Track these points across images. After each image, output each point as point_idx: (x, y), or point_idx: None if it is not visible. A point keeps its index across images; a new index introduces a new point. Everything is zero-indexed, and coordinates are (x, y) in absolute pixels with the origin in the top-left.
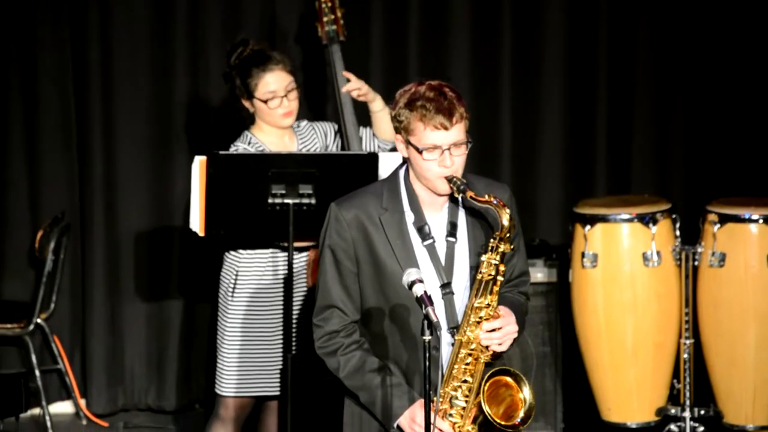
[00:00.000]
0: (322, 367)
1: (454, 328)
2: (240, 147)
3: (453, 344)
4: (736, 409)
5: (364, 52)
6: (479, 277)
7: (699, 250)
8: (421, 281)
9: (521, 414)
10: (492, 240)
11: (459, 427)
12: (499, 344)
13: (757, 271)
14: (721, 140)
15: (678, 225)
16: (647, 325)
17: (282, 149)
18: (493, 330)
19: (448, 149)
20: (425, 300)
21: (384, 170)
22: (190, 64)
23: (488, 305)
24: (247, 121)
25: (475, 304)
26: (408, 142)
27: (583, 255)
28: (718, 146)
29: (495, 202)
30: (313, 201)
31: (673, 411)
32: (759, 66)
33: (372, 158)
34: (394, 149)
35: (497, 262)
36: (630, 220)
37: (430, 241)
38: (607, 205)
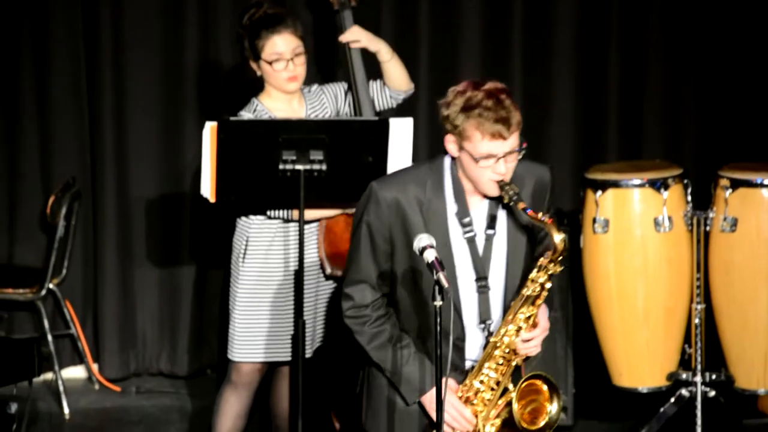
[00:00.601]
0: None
1: (486, 322)
2: (245, 116)
3: (487, 336)
4: (748, 373)
5: (375, 17)
6: (524, 291)
7: (711, 215)
8: (432, 246)
9: (542, 422)
10: (542, 259)
11: (483, 417)
12: (535, 349)
13: None
14: (733, 105)
15: (689, 190)
16: (659, 291)
17: (290, 115)
18: (530, 339)
19: (503, 157)
20: (436, 265)
21: (394, 136)
22: (201, 29)
23: (528, 317)
24: (255, 86)
25: (517, 314)
26: (461, 147)
27: (594, 220)
28: (730, 111)
29: (548, 221)
30: (323, 167)
31: (684, 376)
32: None
33: (383, 125)
34: (403, 106)
35: (544, 281)
36: (641, 186)
37: (471, 233)
38: (618, 170)
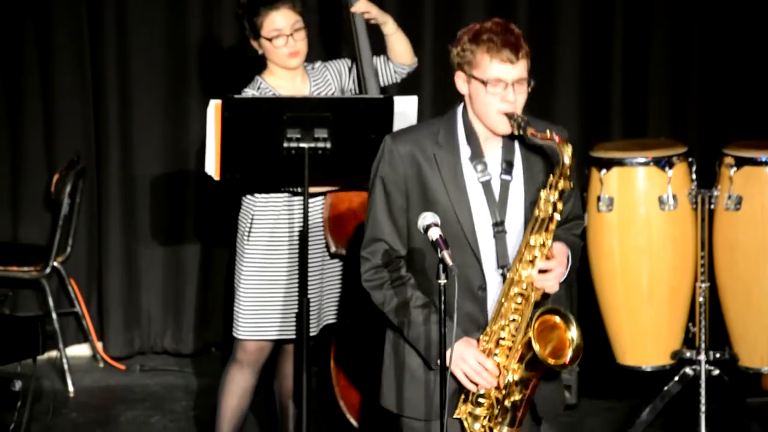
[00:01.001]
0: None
1: (504, 267)
2: (249, 93)
3: (503, 283)
4: (752, 352)
5: None
6: (536, 213)
7: (715, 193)
8: (436, 225)
9: (569, 353)
10: (551, 176)
11: (504, 366)
12: (552, 284)
13: None
14: (738, 83)
15: (694, 168)
16: (663, 269)
17: (294, 93)
18: (546, 271)
19: (512, 85)
20: (441, 244)
21: (399, 114)
22: (204, 7)
23: (543, 244)
24: (259, 63)
25: (530, 242)
26: (471, 76)
27: (598, 199)
28: (735, 89)
29: (556, 139)
30: (328, 145)
31: (688, 354)
32: None
33: (387, 102)
34: (406, 84)
35: (555, 200)
36: (646, 164)
37: (487, 177)
38: (623, 148)
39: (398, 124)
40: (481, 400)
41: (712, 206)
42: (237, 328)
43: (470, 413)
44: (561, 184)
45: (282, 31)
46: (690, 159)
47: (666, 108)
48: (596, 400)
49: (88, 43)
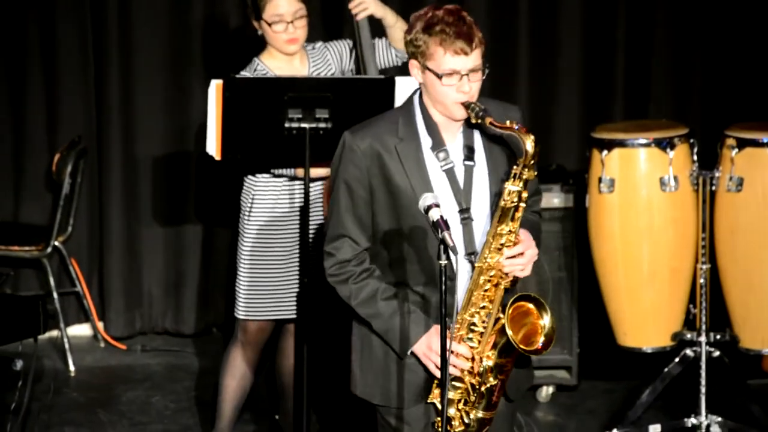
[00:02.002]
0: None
1: (472, 254)
2: (246, 75)
3: (472, 270)
4: (752, 333)
5: None
6: (502, 204)
7: (717, 174)
8: (437, 205)
9: (541, 339)
10: (515, 167)
11: (478, 352)
12: (521, 269)
13: None
14: (740, 64)
15: (696, 150)
16: (664, 251)
17: (292, 73)
18: (515, 256)
19: (467, 75)
20: (441, 224)
21: (400, 95)
22: None
23: (510, 232)
24: (260, 43)
25: (497, 231)
26: (425, 67)
27: (600, 180)
28: (737, 70)
29: (517, 128)
30: (328, 125)
31: (689, 336)
32: None
33: (388, 83)
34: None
35: (520, 189)
36: (647, 145)
37: (450, 165)
38: (624, 129)
39: (399, 105)
40: (455, 383)
41: (714, 188)
42: (238, 308)
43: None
44: (525, 174)
45: (283, 17)
46: (691, 140)
47: (668, 89)
48: (597, 381)
49: (89, 24)
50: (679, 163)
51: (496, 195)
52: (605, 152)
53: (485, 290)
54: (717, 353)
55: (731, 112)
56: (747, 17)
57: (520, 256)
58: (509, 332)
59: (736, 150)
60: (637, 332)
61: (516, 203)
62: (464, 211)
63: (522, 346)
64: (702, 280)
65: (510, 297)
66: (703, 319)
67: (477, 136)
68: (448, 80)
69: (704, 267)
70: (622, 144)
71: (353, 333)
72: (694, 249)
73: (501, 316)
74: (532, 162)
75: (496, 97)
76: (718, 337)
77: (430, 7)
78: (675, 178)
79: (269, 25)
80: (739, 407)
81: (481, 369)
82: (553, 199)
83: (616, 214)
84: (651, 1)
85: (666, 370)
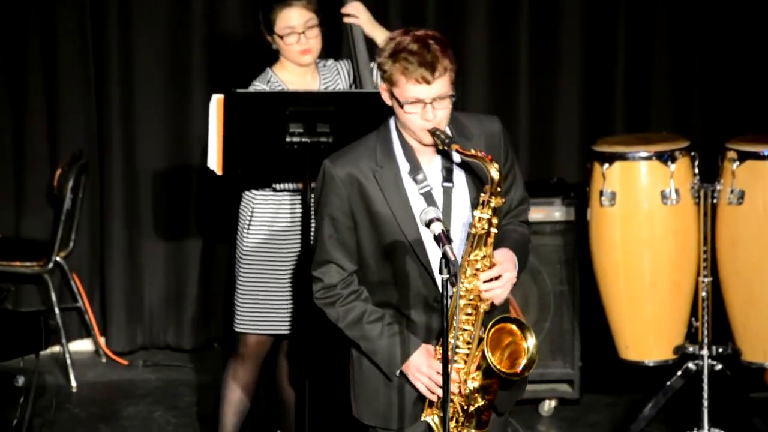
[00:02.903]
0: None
1: (454, 276)
2: (259, 86)
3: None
4: (754, 346)
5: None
6: (473, 231)
7: (718, 187)
8: (439, 219)
9: (524, 362)
10: (482, 194)
11: (464, 372)
12: (499, 293)
13: None
14: (741, 77)
15: (697, 162)
16: (665, 264)
17: (304, 88)
18: (491, 279)
19: (431, 103)
20: (443, 238)
21: None
22: (208, 1)
23: (484, 257)
24: (266, 57)
25: (471, 257)
26: (392, 94)
27: (601, 193)
28: (738, 83)
29: (481, 155)
30: (330, 139)
31: (690, 349)
32: None
33: None
34: None
35: (489, 216)
36: (648, 158)
37: (427, 188)
38: (625, 142)
39: None
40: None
41: (715, 201)
42: (236, 321)
43: (438, 416)
44: (493, 202)
45: (295, 29)
46: (692, 153)
47: (668, 102)
48: (599, 395)
49: (90, 39)
50: (680, 176)
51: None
52: (606, 165)
53: (467, 313)
54: (719, 366)
55: (732, 125)
56: (747, 30)
57: (497, 279)
58: (488, 356)
59: (737, 163)
60: (638, 345)
61: (486, 229)
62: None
63: (503, 369)
64: (704, 293)
65: (491, 319)
66: (705, 332)
67: (456, 157)
68: (411, 108)
69: (706, 280)
70: (623, 157)
71: (351, 354)
72: (695, 262)
73: (484, 337)
74: (498, 189)
75: (497, 110)
76: (720, 350)
77: (400, 32)
78: (676, 191)
79: (281, 38)
80: (742, 420)
81: (467, 391)
82: (555, 212)
83: (618, 227)
84: (651, 13)
85: (668, 383)
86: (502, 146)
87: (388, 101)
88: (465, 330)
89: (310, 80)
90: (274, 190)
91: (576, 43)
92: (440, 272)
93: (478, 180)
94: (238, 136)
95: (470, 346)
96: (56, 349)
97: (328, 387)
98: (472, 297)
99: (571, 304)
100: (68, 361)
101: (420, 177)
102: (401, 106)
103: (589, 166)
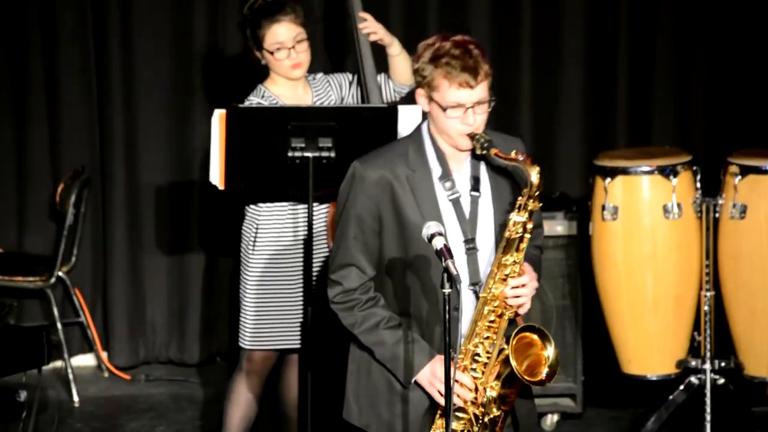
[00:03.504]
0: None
1: (476, 284)
2: (254, 101)
3: (476, 301)
4: (757, 361)
5: (383, 2)
6: (507, 234)
7: (720, 201)
8: (441, 234)
9: (545, 370)
10: (520, 198)
11: (481, 382)
12: (524, 302)
13: None
14: (743, 91)
15: (699, 177)
16: (668, 278)
17: (296, 102)
18: (518, 287)
19: (472, 107)
20: (445, 253)
21: (403, 124)
22: (209, 16)
23: (514, 262)
24: (262, 73)
25: (501, 261)
26: (431, 98)
27: (603, 207)
28: (740, 97)
29: (522, 159)
30: (332, 154)
31: (693, 363)
32: None
33: (391, 112)
34: (411, 95)
35: (525, 220)
36: (650, 172)
37: (456, 195)
38: (627, 157)
39: (402, 133)
40: (459, 414)
41: (717, 215)
42: (243, 338)
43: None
44: (530, 205)
45: (284, 44)
46: (694, 167)
47: (670, 116)
48: (601, 409)
49: (93, 52)
50: (682, 191)
51: (501, 226)
52: (608, 180)
53: (490, 321)
54: (722, 381)
55: (734, 139)
56: (750, 43)
57: (523, 287)
58: (513, 363)
59: (739, 177)
60: (641, 360)
61: (521, 234)
62: (469, 242)
63: (526, 377)
64: (706, 308)
65: (514, 328)
66: (708, 346)
67: (483, 167)
68: (452, 112)
69: (708, 294)
70: (625, 171)
71: (350, 359)
72: (697, 276)
73: (505, 346)
74: (537, 193)
75: (499, 123)
76: (723, 364)
77: (438, 37)
78: (678, 205)
79: (271, 53)
80: None
81: (485, 400)
82: (557, 226)
83: (620, 242)
84: (653, 27)
85: (671, 397)
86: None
87: (426, 107)
88: (486, 338)
89: (301, 93)
90: (277, 204)
91: (578, 56)
92: (441, 287)
93: (504, 192)
94: (240, 151)
95: (490, 355)
96: (58, 363)
97: (330, 400)
98: (497, 304)
99: (573, 318)
100: (70, 376)
101: (449, 184)
102: (443, 110)
103: (591, 180)
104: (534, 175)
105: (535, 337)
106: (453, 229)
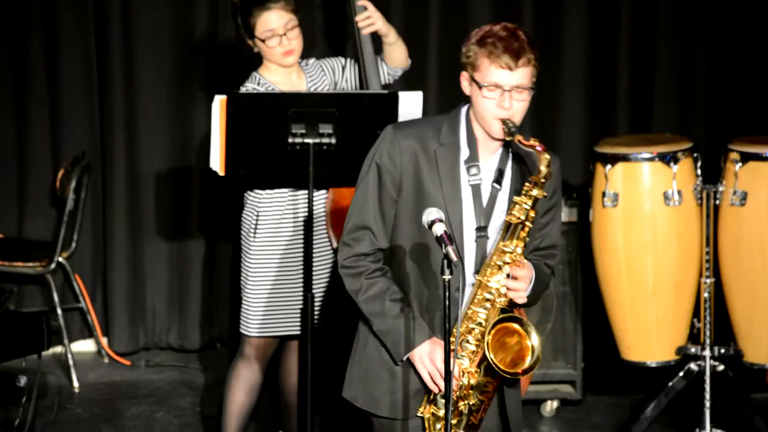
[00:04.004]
0: (344, 305)
1: (479, 272)
2: (249, 87)
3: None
4: (756, 347)
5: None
6: (508, 218)
7: (720, 188)
8: (441, 220)
9: (527, 361)
10: (527, 183)
11: (466, 369)
12: (518, 294)
13: None
14: (743, 78)
15: (699, 164)
16: (668, 265)
17: (291, 88)
18: (514, 278)
19: (509, 91)
20: (445, 239)
21: (404, 110)
22: (210, 2)
23: (512, 251)
24: (254, 61)
25: (501, 247)
26: (472, 78)
27: (603, 194)
28: (741, 84)
29: (539, 147)
30: (332, 140)
31: (693, 350)
32: None
33: (392, 98)
34: (406, 81)
35: (528, 207)
36: (651, 159)
37: (478, 181)
38: (628, 144)
39: (403, 119)
40: (440, 400)
41: (717, 202)
42: (247, 325)
43: (433, 414)
44: (535, 192)
45: (275, 31)
46: (695, 154)
47: (671, 103)
48: (601, 395)
49: (93, 39)
50: (682, 178)
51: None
52: (609, 166)
53: (484, 307)
54: (721, 367)
55: (735, 126)
56: (750, 31)
57: (517, 281)
58: (489, 354)
59: (740, 164)
60: (641, 346)
61: (522, 221)
62: (481, 229)
63: (503, 367)
64: (706, 294)
65: (496, 318)
66: (707, 333)
67: (510, 161)
68: (489, 93)
69: (708, 281)
70: (625, 158)
71: (356, 336)
72: (697, 263)
73: (489, 337)
74: (543, 181)
75: None
76: (723, 351)
77: (492, 24)
78: (679, 192)
79: (263, 41)
80: (744, 421)
81: (460, 385)
82: None
83: (620, 229)
84: (654, 14)
85: (670, 384)
86: (553, 183)
87: (467, 89)
88: (479, 325)
89: (296, 79)
90: (277, 191)
91: (579, 44)
92: (441, 273)
93: (521, 188)
94: (241, 137)
95: (479, 342)
96: (58, 349)
97: (331, 387)
98: (493, 292)
99: (573, 305)
100: (70, 362)
101: (474, 169)
102: (480, 88)
103: (592, 167)
104: (544, 163)
105: (517, 326)
106: (468, 213)
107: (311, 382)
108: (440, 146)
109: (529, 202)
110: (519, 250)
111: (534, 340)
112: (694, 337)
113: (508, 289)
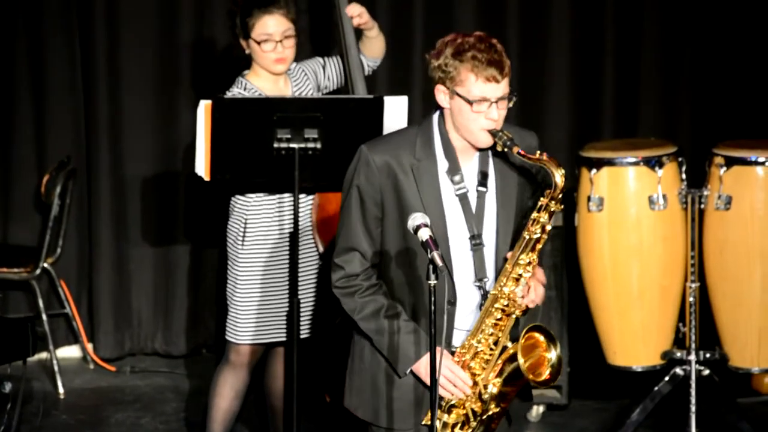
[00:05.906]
0: (331, 311)
1: (482, 280)
2: (235, 92)
3: (483, 296)
4: (742, 352)
5: None
6: (526, 234)
7: (705, 193)
8: (426, 225)
9: (547, 372)
10: (542, 198)
11: (481, 379)
12: (534, 301)
13: (763, 214)
14: (728, 83)
15: (684, 168)
16: (653, 269)
17: (277, 95)
18: (530, 288)
19: (495, 102)
20: (430, 244)
21: (389, 115)
22: (195, 6)
23: (528, 263)
24: (242, 65)
25: (517, 261)
26: (454, 93)
27: (589, 199)
28: (725, 89)
29: (546, 159)
30: (318, 145)
31: (678, 354)
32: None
33: (377, 103)
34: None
35: (545, 221)
36: (636, 164)
37: (464, 190)
38: (613, 148)
39: (388, 124)
40: (453, 408)
41: (702, 206)
42: (235, 332)
43: (439, 420)
44: (552, 206)
45: (272, 37)
46: (680, 159)
47: (656, 108)
48: (587, 400)
49: (78, 44)
50: (667, 182)
51: (506, 221)
52: (594, 171)
53: (497, 318)
54: (707, 372)
55: (719, 131)
56: (735, 35)
57: (538, 289)
58: (521, 360)
59: (725, 168)
60: (626, 351)
61: (539, 235)
62: (476, 237)
63: (530, 376)
64: (691, 299)
65: (522, 326)
66: (693, 337)
67: (491, 162)
68: (478, 107)
69: (693, 285)
70: (610, 163)
71: (352, 342)
72: (683, 267)
73: (508, 344)
74: (560, 195)
75: None
76: (708, 355)
77: (458, 34)
78: (664, 196)
79: (258, 44)
80: (729, 426)
81: (486, 396)
82: None
83: (605, 233)
84: (639, 19)
85: (656, 388)
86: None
87: (445, 103)
88: (491, 335)
89: (282, 86)
90: (264, 198)
91: (564, 47)
92: (427, 278)
93: (510, 187)
94: (226, 142)
95: (493, 352)
96: (44, 355)
97: (317, 392)
98: (506, 302)
99: (559, 309)
100: (56, 368)
101: (457, 178)
102: (470, 104)
103: (577, 171)
104: (558, 176)
105: (541, 338)
106: (459, 224)
107: (297, 386)
108: (416, 161)
109: (546, 217)
110: (535, 262)
111: (553, 353)
112: (679, 341)
113: (528, 299)
